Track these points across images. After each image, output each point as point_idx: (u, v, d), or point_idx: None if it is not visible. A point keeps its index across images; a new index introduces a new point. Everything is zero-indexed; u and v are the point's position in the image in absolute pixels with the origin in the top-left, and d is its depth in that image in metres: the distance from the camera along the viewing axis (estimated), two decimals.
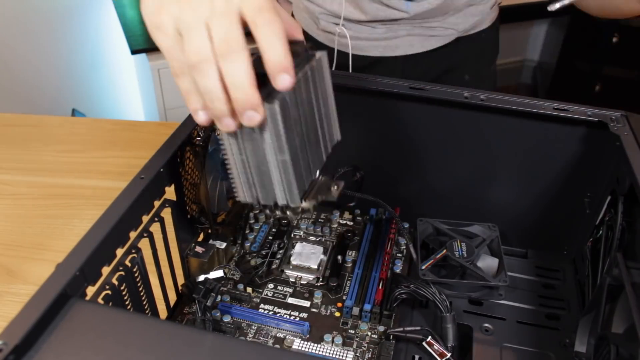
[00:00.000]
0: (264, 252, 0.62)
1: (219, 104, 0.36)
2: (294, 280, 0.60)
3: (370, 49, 0.82)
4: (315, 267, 0.61)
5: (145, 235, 0.48)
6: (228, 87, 0.35)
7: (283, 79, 0.35)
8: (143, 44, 1.54)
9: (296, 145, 0.39)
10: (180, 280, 0.57)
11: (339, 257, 0.63)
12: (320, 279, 0.60)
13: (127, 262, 0.45)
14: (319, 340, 0.54)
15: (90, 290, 0.40)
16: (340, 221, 0.69)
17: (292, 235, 0.66)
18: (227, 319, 0.55)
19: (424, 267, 0.58)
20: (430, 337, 0.51)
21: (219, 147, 0.56)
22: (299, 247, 0.63)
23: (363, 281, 0.59)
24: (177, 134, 0.53)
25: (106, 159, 0.89)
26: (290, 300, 0.58)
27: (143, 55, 1.59)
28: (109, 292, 0.42)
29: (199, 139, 0.54)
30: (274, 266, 0.62)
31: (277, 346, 0.53)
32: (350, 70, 0.81)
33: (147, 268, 0.48)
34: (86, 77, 1.88)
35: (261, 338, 0.54)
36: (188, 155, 0.54)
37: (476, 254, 0.59)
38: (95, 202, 0.79)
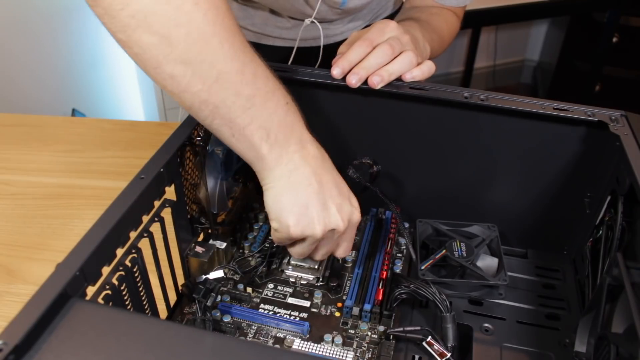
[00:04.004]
0: (264, 252, 0.62)
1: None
2: (294, 280, 0.60)
3: (284, 42, 0.84)
4: (315, 267, 0.61)
5: (145, 235, 0.48)
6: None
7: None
8: None
9: None
10: (180, 280, 0.57)
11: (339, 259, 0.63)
12: (320, 279, 0.60)
13: (127, 262, 0.45)
14: (319, 340, 0.54)
15: (90, 290, 0.40)
16: None
17: None
18: (227, 319, 0.55)
19: (423, 268, 0.58)
20: (430, 337, 0.51)
21: (219, 147, 0.56)
22: None
23: (363, 281, 0.59)
24: (177, 134, 0.53)
25: (106, 159, 0.89)
26: (290, 300, 0.58)
27: None
28: (109, 292, 0.42)
29: (199, 139, 0.54)
30: (274, 266, 0.62)
31: (277, 346, 0.53)
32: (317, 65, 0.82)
33: (147, 268, 0.48)
34: (86, 77, 1.87)
35: (261, 338, 0.54)
36: (188, 155, 0.54)
37: (475, 253, 0.59)
38: (95, 202, 0.79)
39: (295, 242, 0.52)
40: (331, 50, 0.85)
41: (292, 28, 0.82)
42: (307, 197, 0.49)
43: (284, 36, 0.83)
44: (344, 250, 0.55)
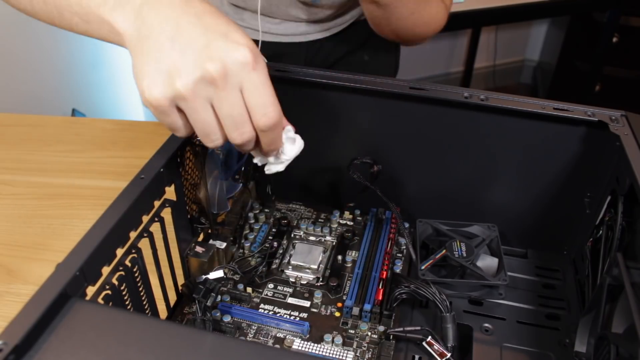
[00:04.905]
0: (264, 252, 0.62)
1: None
2: (294, 280, 0.60)
3: (274, 37, 0.83)
4: (315, 267, 0.61)
5: (145, 235, 0.48)
6: (241, 146, 0.43)
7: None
8: None
9: None
10: (180, 280, 0.57)
11: (339, 257, 0.63)
12: (320, 279, 0.60)
13: (127, 262, 0.45)
14: (319, 340, 0.54)
15: (90, 290, 0.40)
16: (340, 221, 0.69)
17: (292, 235, 0.66)
18: (227, 319, 0.55)
19: (423, 268, 0.58)
20: (430, 337, 0.51)
21: (219, 148, 0.56)
22: (299, 247, 0.64)
23: (363, 281, 0.59)
24: None
25: (106, 159, 0.89)
26: (290, 300, 0.58)
27: None
28: (109, 292, 0.42)
29: (199, 139, 0.54)
30: (274, 266, 0.62)
31: (277, 346, 0.53)
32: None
33: (147, 268, 0.48)
34: (86, 77, 1.87)
35: (261, 338, 0.54)
36: (188, 155, 0.54)
37: (475, 253, 0.59)
38: (95, 202, 0.79)
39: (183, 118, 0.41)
40: (319, 46, 0.86)
41: (281, 23, 0.82)
42: (157, 48, 0.38)
43: (272, 31, 0.83)
44: (258, 110, 0.40)
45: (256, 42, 0.86)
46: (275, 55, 0.82)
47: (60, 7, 0.45)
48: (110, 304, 0.42)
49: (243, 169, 0.63)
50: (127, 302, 0.46)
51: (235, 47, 0.38)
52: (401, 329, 0.53)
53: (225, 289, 0.59)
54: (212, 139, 0.42)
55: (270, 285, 0.60)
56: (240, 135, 0.41)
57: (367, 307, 0.55)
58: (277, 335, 0.54)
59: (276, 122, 0.41)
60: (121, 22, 0.40)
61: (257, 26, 0.83)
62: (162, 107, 0.39)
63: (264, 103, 0.40)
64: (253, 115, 0.40)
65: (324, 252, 0.63)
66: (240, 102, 0.40)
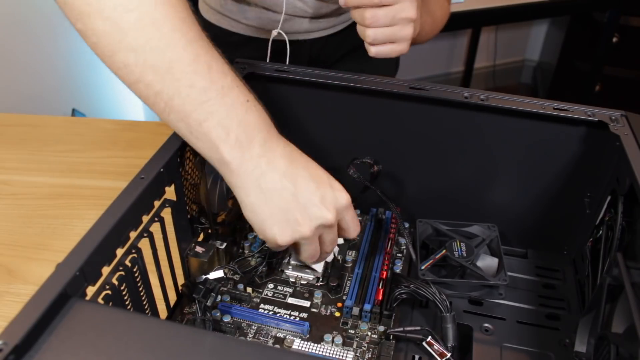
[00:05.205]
0: (264, 252, 0.62)
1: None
2: (294, 280, 0.60)
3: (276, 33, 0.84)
4: (316, 267, 0.61)
5: (145, 235, 0.48)
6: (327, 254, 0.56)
7: None
8: None
9: None
10: (180, 280, 0.57)
11: (339, 257, 0.63)
12: (320, 279, 0.60)
13: (127, 262, 0.45)
14: (319, 340, 0.54)
15: (90, 290, 0.40)
16: None
17: None
18: (227, 319, 0.55)
19: (423, 268, 0.58)
20: (430, 337, 0.51)
21: None
22: None
23: (363, 281, 0.59)
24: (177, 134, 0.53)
25: (106, 159, 0.89)
26: (290, 300, 0.58)
27: None
28: (109, 292, 0.42)
29: None
30: (274, 266, 0.62)
31: (277, 346, 0.53)
32: (288, 60, 0.82)
33: (147, 268, 0.48)
34: (86, 77, 1.87)
35: (261, 338, 0.54)
36: (188, 155, 0.54)
37: (475, 253, 0.59)
38: (95, 202, 0.79)
39: (295, 246, 0.51)
40: (323, 44, 0.86)
41: (286, 22, 0.83)
42: (284, 203, 0.47)
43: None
44: (352, 231, 0.53)
45: (258, 39, 0.85)
46: (280, 52, 0.82)
47: (175, 114, 0.45)
48: (110, 304, 0.42)
49: None
50: (127, 302, 0.46)
51: (341, 196, 0.50)
52: (401, 329, 0.53)
53: (225, 289, 0.59)
54: (315, 259, 0.54)
55: (270, 285, 0.60)
56: (332, 248, 0.54)
57: (367, 307, 0.55)
58: (277, 335, 0.54)
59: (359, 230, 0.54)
60: (237, 164, 0.46)
61: (260, 24, 0.83)
62: (286, 246, 0.50)
63: (356, 224, 0.53)
64: (348, 232, 0.53)
65: None
66: (336, 229, 0.52)
